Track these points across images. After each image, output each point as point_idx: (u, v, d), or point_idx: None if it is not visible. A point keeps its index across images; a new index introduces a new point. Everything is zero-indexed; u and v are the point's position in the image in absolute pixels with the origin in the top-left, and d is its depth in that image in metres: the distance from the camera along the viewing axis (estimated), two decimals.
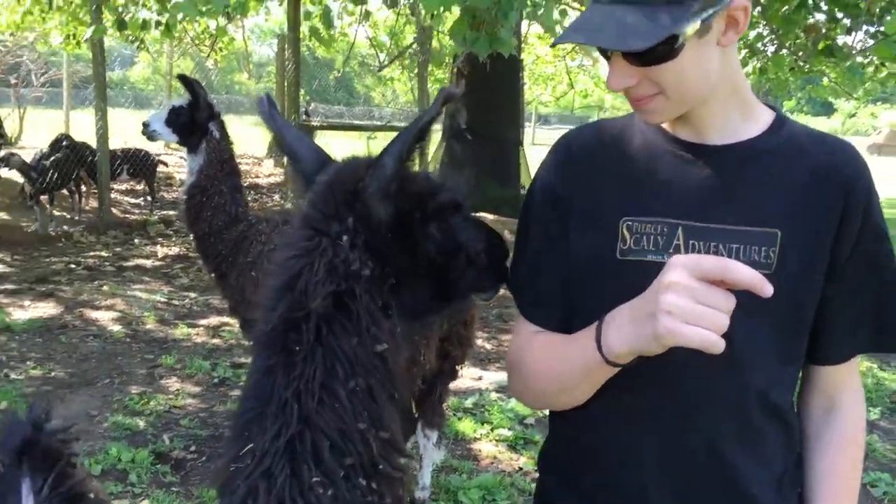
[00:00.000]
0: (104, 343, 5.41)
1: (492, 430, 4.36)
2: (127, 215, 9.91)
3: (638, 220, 1.25)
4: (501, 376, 5.00)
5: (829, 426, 1.34)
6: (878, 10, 6.12)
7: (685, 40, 1.11)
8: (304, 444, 1.10)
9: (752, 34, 7.54)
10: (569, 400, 1.30)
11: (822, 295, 1.25)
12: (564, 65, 16.72)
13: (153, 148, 10.79)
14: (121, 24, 7.39)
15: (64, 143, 9.45)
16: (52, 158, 8.78)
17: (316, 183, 1.28)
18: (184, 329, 5.77)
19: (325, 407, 1.11)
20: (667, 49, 1.11)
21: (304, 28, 10.11)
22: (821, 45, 6.70)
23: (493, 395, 4.81)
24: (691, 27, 1.10)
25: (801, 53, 7.12)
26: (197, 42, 12.94)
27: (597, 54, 1.25)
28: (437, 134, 11.38)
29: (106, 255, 8.00)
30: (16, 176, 9.04)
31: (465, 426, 4.36)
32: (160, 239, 8.78)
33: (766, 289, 0.96)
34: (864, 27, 6.54)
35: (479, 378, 5.15)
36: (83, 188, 9.76)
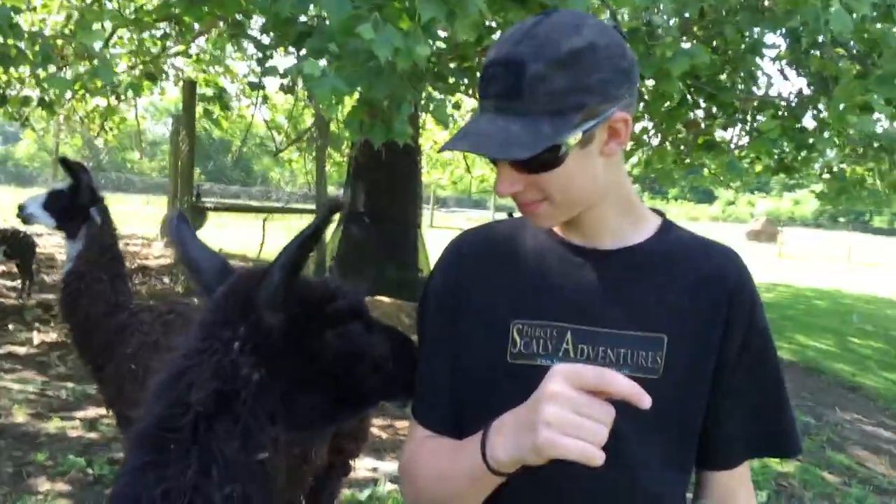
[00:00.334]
0: None
1: None
2: (2, 299, 9.34)
3: (528, 323, 1.25)
4: (397, 466, 4.86)
5: None
6: (751, 108, 6.58)
7: (568, 150, 1.14)
8: None
9: (638, 127, 7.93)
10: None
11: (711, 400, 1.25)
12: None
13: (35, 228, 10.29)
14: (1, 100, 7.11)
15: None
16: None
17: (215, 293, 1.29)
18: (58, 422, 5.38)
19: None
20: (550, 157, 1.13)
21: (200, 108, 10.03)
22: (700, 140, 7.11)
23: (389, 487, 4.66)
24: (573, 137, 1.13)
25: (682, 147, 7.53)
26: (87, 120, 12.61)
27: None
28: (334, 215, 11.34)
29: None
30: None
31: None
32: (37, 324, 8.28)
33: (645, 401, 0.95)
34: (739, 125, 6.99)
35: (375, 469, 4.99)
36: None
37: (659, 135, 7.76)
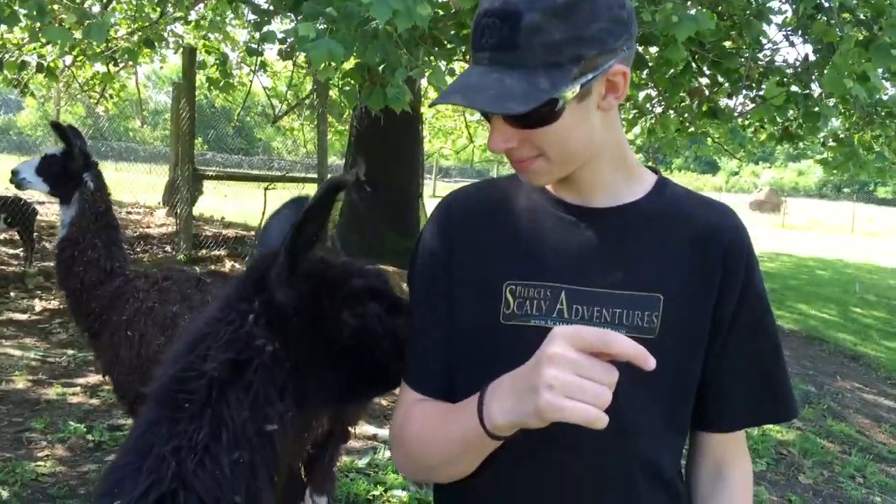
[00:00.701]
0: None
1: (385, 490, 4.22)
2: (3, 267, 9.35)
3: (522, 284, 1.22)
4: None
5: (719, 494, 1.32)
6: (756, 76, 6.49)
7: (565, 104, 1.10)
8: None
9: (641, 95, 7.84)
10: (452, 472, 1.23)
11: (708, 361, 1.24)
12: (464, 119, 17.00)
13: (34, 194, 10.28)
14: None
15: None
16: None
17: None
18: (58, 389, 5.40)
19: (204, 471, 1.07)
20: (546, 112, 1.10)
21: (202, 76, 9.94)
22: (704, 107, 7.04)
23: (388, 454, 4.68)
24: (570, 91, 1.09)
25: (686, 115, 7.45)
26: (86, 88, 12.51)
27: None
28: None
29: None
30: None
31: (358, 487, 4.21)
32: (39, 292, 8.29)
33: (649, 362, 0.93)
34: (744, 92, 6.91)
35: (374, 436, 5.01)
36: None
37: (663, 103, 7.68)
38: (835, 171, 8.39)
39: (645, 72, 6.91)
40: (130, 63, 9.98)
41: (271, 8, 5.44)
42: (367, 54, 3.35)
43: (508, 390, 1.04)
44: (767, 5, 6.00)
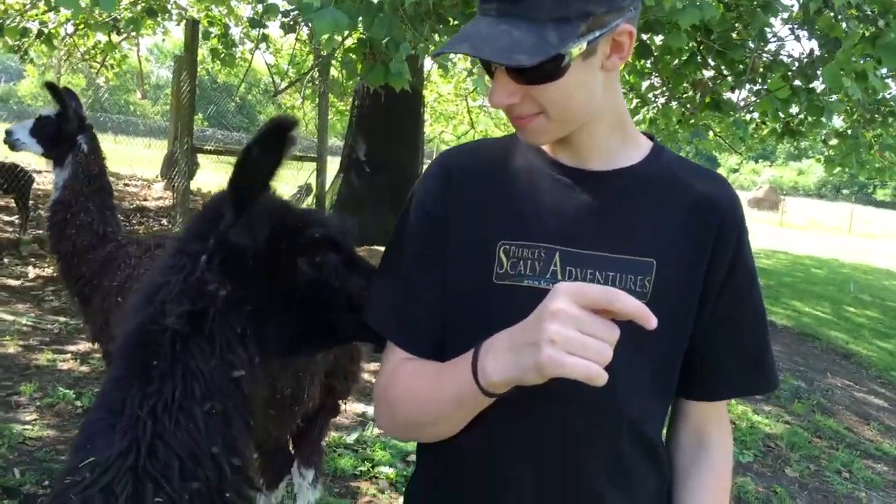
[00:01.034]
0: None
1: (373, 467, 4.23)
2: None
3: (515, 244, 1.21)
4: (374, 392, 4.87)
5: (699, 463, 1.33)
6: (761, 69, 6.46)
7: (571, 60, 1.08)
8: (153, 464, 1.06)
9: (645, 85, 7.82)
10: (439, 431, 1.22)
11: (696, 328, 1.24)
12: (465, 104, 16.94)
13: (32, 162, 10.26)
14: None
15: None
16: None
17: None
18: (49, 355, 5.39)
19: (180, 427, 1.08)
20: (552, 68, 1.08)
21: (204, 50, 9.86)
22: (707, 99, 7.01)
23: (376, 431, 4.68)
24: (577, 48, 1.07)
25: (689, 106, 7.43)
26: (87, 58, 12.44)
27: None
28: (334, 165, 11.27)
29: None
30: None
31: (346, 463, 4.22)
32: (33, 259, 8.26)
33: (651, 321, 0.93)
34: (748, 85, 6.89)
35: (363, 414, 5.01)
36: None
37: (666, 93, 7.65)
38: (836, 170, 8.36)
39: (649, 61, 6.88)
40: (133, 34, 9.91)
41: None
42: (372, 28, 3.31)
43: (506, 346, 1.03)
44: None
